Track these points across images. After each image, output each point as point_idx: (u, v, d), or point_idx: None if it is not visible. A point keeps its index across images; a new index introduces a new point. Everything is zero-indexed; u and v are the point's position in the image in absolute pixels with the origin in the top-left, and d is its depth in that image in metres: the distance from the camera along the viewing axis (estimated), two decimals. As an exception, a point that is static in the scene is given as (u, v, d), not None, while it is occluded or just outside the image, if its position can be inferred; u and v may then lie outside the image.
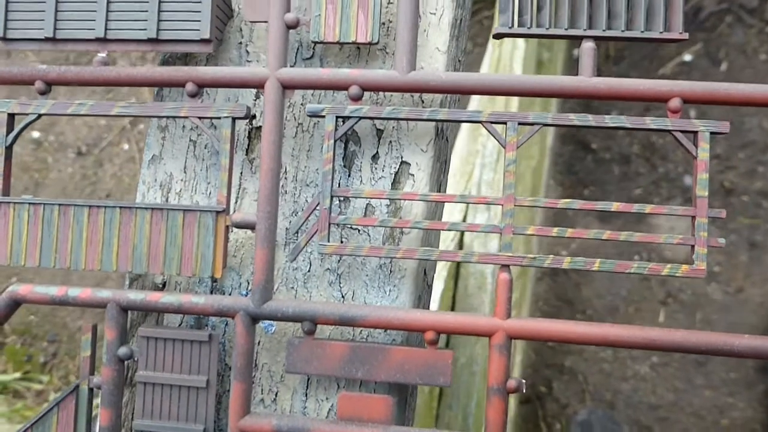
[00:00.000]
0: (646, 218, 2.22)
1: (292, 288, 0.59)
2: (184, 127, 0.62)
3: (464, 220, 1.46)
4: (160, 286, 0.61)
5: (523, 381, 0.54)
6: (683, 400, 2.12)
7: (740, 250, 2.08)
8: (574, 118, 0.54)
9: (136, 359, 0.57)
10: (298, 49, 0.61)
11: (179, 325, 0.61)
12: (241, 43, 0.62)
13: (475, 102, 1.42)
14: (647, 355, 2.13)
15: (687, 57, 2.22)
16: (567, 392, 2.18)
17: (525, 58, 1.52)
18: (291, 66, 0.60)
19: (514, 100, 1.39)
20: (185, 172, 0.62)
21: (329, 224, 0.55)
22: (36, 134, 2.30)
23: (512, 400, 1.99)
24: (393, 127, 0.59)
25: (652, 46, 2.25)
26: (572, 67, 2.34)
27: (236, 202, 0.61)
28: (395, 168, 0.58)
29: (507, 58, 1.48)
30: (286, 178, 0.60)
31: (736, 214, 2.10)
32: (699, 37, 2.25)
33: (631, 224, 2.18)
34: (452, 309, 1.48)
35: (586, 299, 2.14)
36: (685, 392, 2.12)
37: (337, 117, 0.56)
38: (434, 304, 1.36)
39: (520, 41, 1.48)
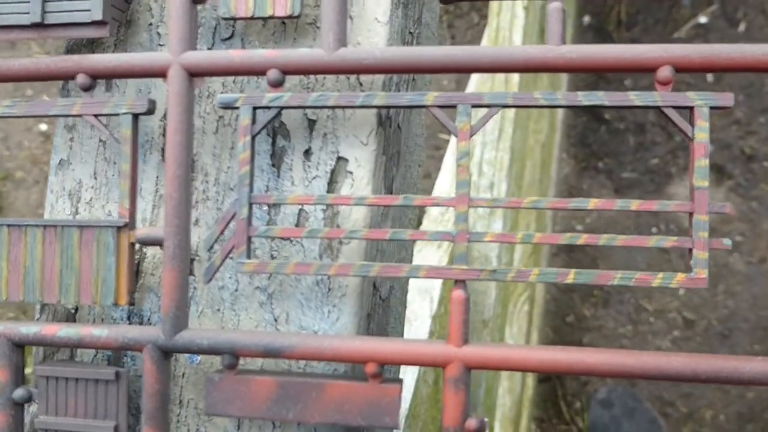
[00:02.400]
0: (665, 188, 2.08)
1: (219, 310, 0.49)
2: (92, 125, 0.52)
3: (466, 201, 1.35)
4: (73, 311, 0.51)
5: (486, 420, 0.43)
6: (707, 374, 1.98)
7: (763, 219, 1.93)
8: (540, 97, 0.42)
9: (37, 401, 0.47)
10: (216, 27, 0.50)
11: (93, 358, 0.51)
12: (151, 24, 0.51)
13: (474, 81, 1.30)
14: (669, 330, 2.00)
15: (702, 19, 2.06)
16: (587, 369, 2.06)
17: (526, 26, 1.39)
18: (209, 48, 0.49)
19: (515, 77, 1.26)
20: (95, 177, 0.51)
21: (248, 237, 0.45)
22: (44, 127, 2.23)
23: (531, 378, 1.89)
24: (327, 116, 0.48)
25: (665, 8, 2.09)
26: (583, 35, 2.19)
27: (153, 212, 0.50)
28: (331, 165, 0.47)
29: (506, 28, 1.35)
30: (207, 181, 0.49)
31: (758, 181, 1.95)
32: (715, -3, 2.08)
33: (650, 195, 2.05)
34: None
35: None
36: (709, 366, 1.99)
37: (254, 108, 0.45)
38: (435, 292, 1.25)
39: (519, 9, 1.35)
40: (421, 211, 1.33)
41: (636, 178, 2.08)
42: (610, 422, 1.91)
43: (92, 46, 0.52)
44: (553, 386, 2.02)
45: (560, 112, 1.98)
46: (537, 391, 1.98)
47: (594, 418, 1.92)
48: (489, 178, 1.33)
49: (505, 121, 1.35)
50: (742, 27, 2.04)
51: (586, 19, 2.19)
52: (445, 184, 1.33)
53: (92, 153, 0.52)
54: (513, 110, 1.33)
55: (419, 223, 1.41)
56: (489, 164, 1.33)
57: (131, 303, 0.49)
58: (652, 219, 2.03)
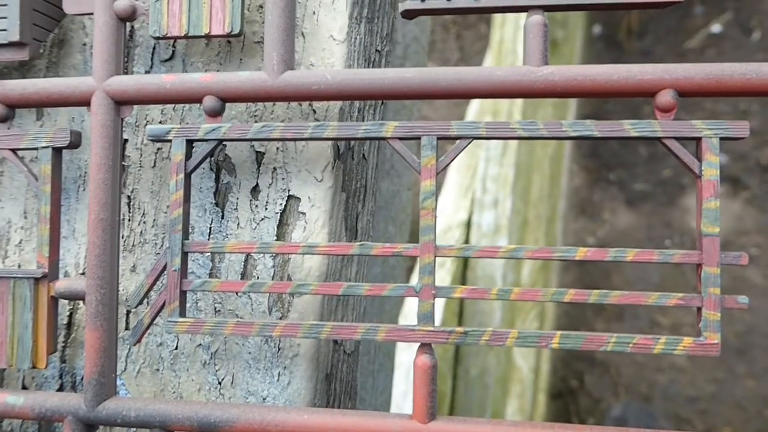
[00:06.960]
0: (678, 200, 1.99)
1: (158, 370, 0.41)
2: (23, 158, 0.45)
3: (469, 218, 1.27)
4: (1, 368, 0.45)
5: None
6: (724, 390, 1.89)
7: (781, 231, 1.83)
8: (518, 127, 0.35)
9: (-51, 476, 0.41)
10: (155, 47, 0.43)
11: (21, 424, 0.44)
12: (85, 44, 0.44)
13: (475, 106, 1.22)
14: (684, 345, 1.90)
15: (715, 28, 1.96)
16: (600, 386, 1.97)
17: (531, 38, 1.31)
18: (147, 71, 0.43)
19: (518, 102, 1.17)
20: (25, 217, 0.45)
21: (181, 292, 0.37)
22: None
23: (542, 395, 1.80)
24: (277, 149, 0.40)
25: (677, 17, 2.00)
26: (593, 46, 2.11)
27: (86, 257, 0.43)
28: (281, 205, 0.40)
29: (509, 41, 1.27)
30: (145, 222, 0.42)
31: (776, 192, 1.85)
32: (729, 5, 1.99)
33: (662, 207, 1.96)
34: (460, 315, 1.29)
35: (616, 287, 1.91)
36: (726, 382, 1.89)
37: (188, 141, 0.38)
38: (438, 311, 1.17)
39: (523, 20, 1.27)
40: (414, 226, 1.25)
41: (648, 189, 1.99)
42: (624, 439, 1.82)
43: (23, 69, 0.45)
44: (565, 403, 1.93)
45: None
46: (549, 409, 1.89)
47: (608, 435, 1.83)
48: (493, 194, 1.26)
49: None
50: (756, 35, 1.94)
51: (597, 28, 2.10)
52: (448, 202, 1.25)
53: (22, 189, 0.45)
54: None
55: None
56: (493, 180, 1.25)
57: (64, 360, 0.43)
58: (665, 231, 1.94)
